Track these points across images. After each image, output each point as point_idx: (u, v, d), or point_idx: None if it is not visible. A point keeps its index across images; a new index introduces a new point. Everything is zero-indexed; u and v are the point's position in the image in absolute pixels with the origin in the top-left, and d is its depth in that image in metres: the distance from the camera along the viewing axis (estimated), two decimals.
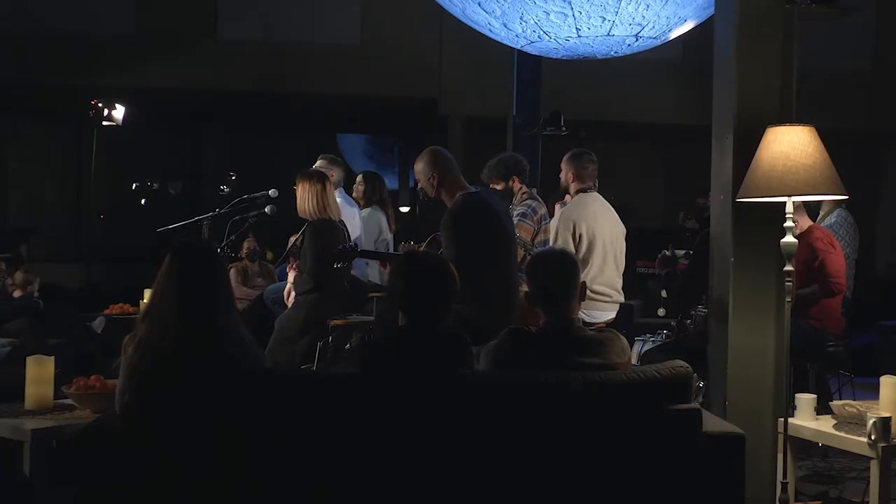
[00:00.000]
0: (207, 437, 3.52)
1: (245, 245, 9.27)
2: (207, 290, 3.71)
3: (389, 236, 8.03)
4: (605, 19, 6.69)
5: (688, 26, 7.01)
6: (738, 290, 4.58)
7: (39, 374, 4.53)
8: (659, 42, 7.18)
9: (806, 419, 4.37)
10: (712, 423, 3.77)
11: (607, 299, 5.81)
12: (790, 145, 4.01)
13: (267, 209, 6.34)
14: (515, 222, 5.89)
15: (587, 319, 5.73)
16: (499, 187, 6.35)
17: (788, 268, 4.16)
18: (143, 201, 13.67)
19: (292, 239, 9.54)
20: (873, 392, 4.56)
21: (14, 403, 4.60)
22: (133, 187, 13.35)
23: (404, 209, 16.98)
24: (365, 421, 3.53)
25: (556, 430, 3.55)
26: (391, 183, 18.42)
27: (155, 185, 14.34)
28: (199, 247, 3.93)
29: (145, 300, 8.42)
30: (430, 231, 7.85)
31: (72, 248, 14.39)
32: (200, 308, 3.68)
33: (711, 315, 4.81)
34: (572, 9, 6.63)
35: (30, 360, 4.53)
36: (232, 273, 9.33)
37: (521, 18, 6.80)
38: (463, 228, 4.86)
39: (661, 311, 6.76)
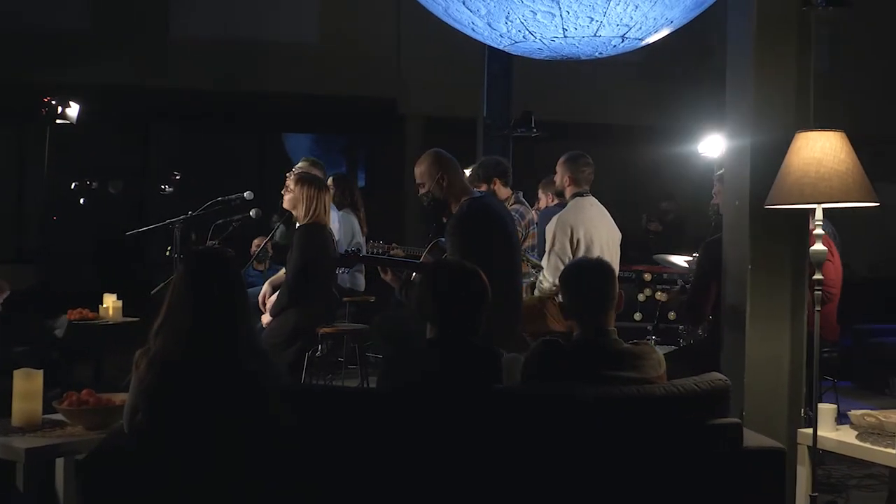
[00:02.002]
0: (230, 457, 3.33)
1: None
2: (224, 300, 3.50)
3: (362, 239, 7.86)
4: (592, 19, 6.56)
5: (665, 31, 6.91)
6: (755, 298, 4.48)
7: (27, 388, 4.27)
8: (642, 44, 7.08)
9: (827, 430, 4.27)
10: (750, 437, 3.66)
11: None
12: (822, 151, 3.90)
13: (252, 213, 6.13)
14: None
15: None
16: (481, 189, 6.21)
17: (818, 276, 4.06)
18: (81, 201, 13.34)
19: (256, 242, 9.36)
20: (854, 397, 4.57)
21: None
22: (72, 186, 13.01)
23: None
24: (396, 439, 3.37)
25: (594, 446, 3.42)
26: None
27: (94, 184, 14.00)
28: (213, 254, 3.69)
29: (104, 304, 8.24)
30: (378, 233, 7.67)
31: (11, 250, 13.95)
32: (217, 320, 3.46)
33: (726, 323, 4.70)
34: (560, 8, 6.49)
35: (17, 374, 4.27)
36: None
37: (506, 18, 6.65)
38: (469, 234, 4.71)
39: (637, 316, 6.65)
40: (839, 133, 3.98)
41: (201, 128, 14.51)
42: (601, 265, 3.65)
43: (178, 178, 16.16)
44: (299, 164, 7.21)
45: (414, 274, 4.97)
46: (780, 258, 4.49)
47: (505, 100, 9.21)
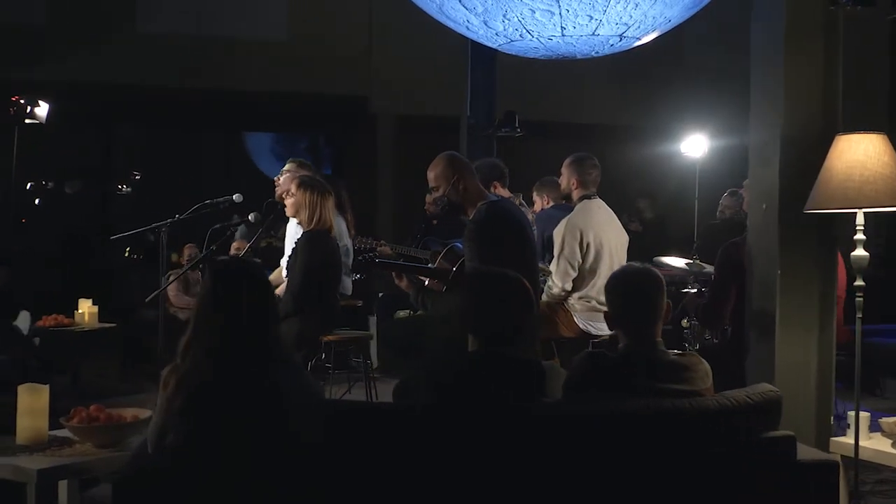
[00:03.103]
0: (266, 479, 3.16)
1: (186, 251, 8.77)
2: (256, 314, 3.32)
3: (349, 242, 7.67)
4: (592, 18, 6.46)
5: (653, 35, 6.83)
6: (785, 303, 4.38)
7: (33, 404, 4.08)
8: (637, 43, 6.99)
9: (862, 439, 4.19)
10: (803, 450, 3.55)
11: None
12: (866, 154, 3.80)
13: (251, 216, 5.93)
14: None
15: (593, 332, 5.48)
16: (504, 194, 6.07)
17: (860, 282, 3.97)
18: (36, 201, 13.04)
19: (235, 247, 9.13)
20: (846, 399, 4.52)
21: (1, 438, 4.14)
22: (28, 187, 12.72)
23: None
24: (440, 457, 3.21)
25: (645, 461, 3.28)
26: None
27: (50, 184, 13.71)
28: (241, 266, 3.51)
29: (80, 310, 7.99)
30: None
31: None
32: (250, 336, 3.28)
33: (753, 329, 4.60)
34: (559, 6, 6.38)
35: (22, 389, 4.07)
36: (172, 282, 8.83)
37: (504, 16, 6.52)
38: (487, 239, 4.56)
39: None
40: (881, 135, 3.89)
41: (167, 126, 14.24)
42: (650, 274, 3.51)
43: (137, 177, 15.85)
44: (286, 167, 6.98)
45: (427, 280, 4.82)
46: (809, 263, 4.39)
47: (487, 99, 9.08)
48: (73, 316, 7.90)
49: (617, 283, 3.52)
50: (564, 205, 7.10)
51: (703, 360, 3.54)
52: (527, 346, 4.27)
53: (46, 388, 4.10)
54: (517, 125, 8.72)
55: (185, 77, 11.89)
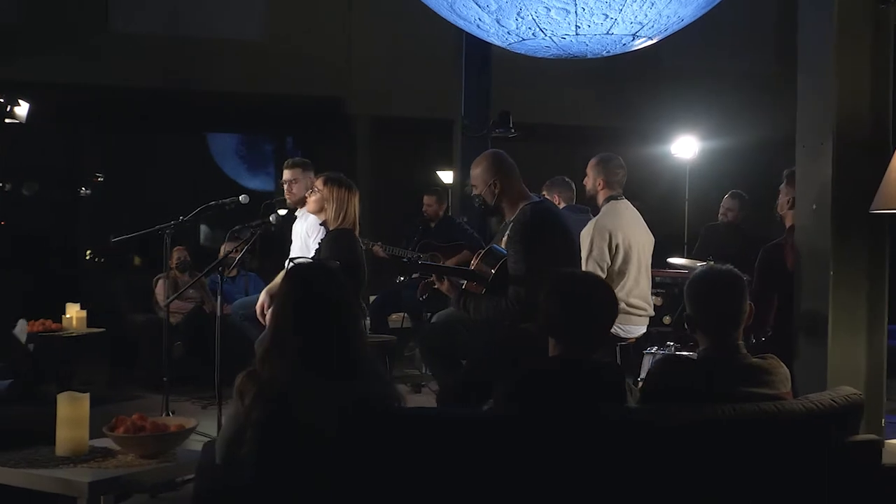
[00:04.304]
0: (352, 491, 3.03)
1: (175, 255, 8.55)
2: (339, 321, 3.19)
3: None
4: (607, 16, 6.40)
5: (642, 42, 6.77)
6: (837, 305, 4.32)
7: (73, 413, 3.91)
8: (649, 43, 6.94)
9: None
10: (888, 454, 3.50)
11: (642, 313, 5.47)
12: None
13: (272, 218, 5.76)
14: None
15: (622, 335, 5.39)
16: None
17: None
18: None
19: (224, 248, 8.93)
20: None
21: (36, 448, 3.95)
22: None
23: (283, 212, 16.40)
24: (524, 467, 3.11)
25: (733, 467, 3.21)
26: (266, 184, 17.75)
27: (7, 186, 13.43)
28: (318, 269, 3.37)
29: (67, 314, 7.76)
30: None
31: None
32: (333, 344, 3.15)
33: (801, 331, 4.53)
34: (576, 5, 6.31)
35: (62, 398, 3.89)
36: (161, 285, 8.63)
37: (518, 14, 6.43)
38: (535, 240, 4.46)
39: (666, 319, 6.46)
40: None
41: (135, 127, 13.95)
42: (733, 276, 3.43)
43: (100, 179, 15.54)
44: (290, 174, 6.65)
45: (465, 283, 4.71)
46: (862, 263, 4.34)
47: (481, 100, 8.98)
48: (60, 321, 7.67)
49: (699, 286, 3.43)
50: (576, 206, 7.03)
51: (782, 363, 3.47)
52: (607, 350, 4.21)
53: (87, 396, 3.93)
54: (511, 126, 8.63)
55: (156, 78, 11.66)
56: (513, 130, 8.68)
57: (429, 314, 8.75)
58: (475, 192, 4.77)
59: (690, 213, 9.51)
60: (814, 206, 4.45)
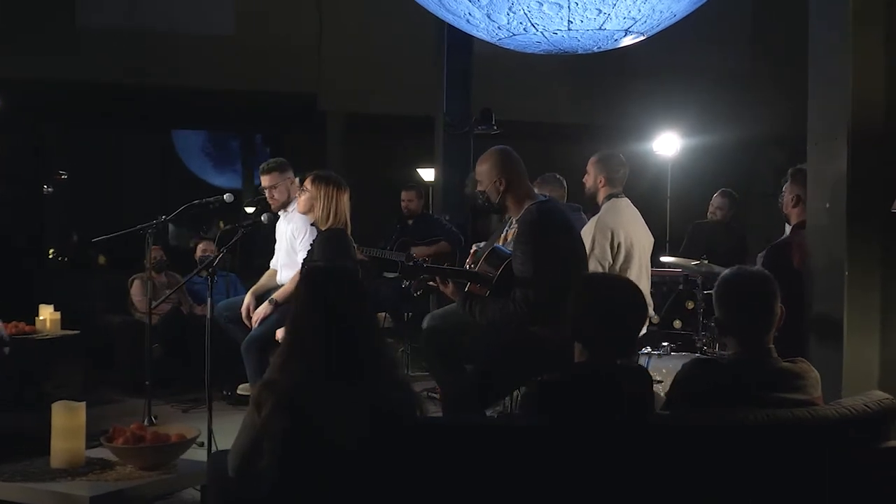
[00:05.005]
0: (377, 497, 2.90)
1: (152, 253, 8.32)
2: (361, 325, 3.04)
3: None
4: (601, 11, 6.30)
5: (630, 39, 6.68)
6: (852, 306, 4.23)
7: (69, 423, 3.75)
8: (640, 39, 6.84)
9: None
10: None
11: None
12: None
13: (263, 218, 5.59)
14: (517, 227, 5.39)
15: None
16: None
17: None
18: None
19: (202, 248, 8.74)
20: None
21: (31, 460, 3.78)
22: None
23: (250, 209, 16.27)
24: (556, 477, 2.99)
25: (766, 473, 3.11)
26: (233, 182, 17.53)
27: None
28: (336, 272, 3.21)
29: (41, 316, 7.53)
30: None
31: None
32: (352, 348, 3.01)
33: (814, 333, 4.45)
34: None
35: (57, 407, 3.72)
36: (137, 285, 8.42)
37: (509, 9, 6.31)
38: (542, 241, 4.32)
39: (677, 323, 6.33)
40: None
41: (105, 123, 13.71)
42: (765, 278, 3.32)
43: (64, 177, 15.28)
44: (269, 179, 6.39)
45: (468, 285, 4.57)
46: (876, 263, 4.25)
47: (463, 97, 8.85)
48: (33, 322, 7.44)
49: (730, 289, 3.32)
50: (568, 203, 6.90)
51: (812, 367, 3.37)
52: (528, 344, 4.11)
53: (83, 405, 3.77)
54: (494, 123, 8.50)
55: (123, 74, 11.41)
56: (495, 127, 8.55)
57: (408, 314, 8.64)
58: (479, 188, 4.64)
59: (673, 211, 9.43)
60: (827, 205, 4.37)
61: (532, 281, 4.27)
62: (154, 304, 6.02)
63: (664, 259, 6.97)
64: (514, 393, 4.81)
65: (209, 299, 5.27)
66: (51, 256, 15.30)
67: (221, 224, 14.37)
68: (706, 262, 6.34)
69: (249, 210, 11.09)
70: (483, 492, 2.97)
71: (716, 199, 7.96)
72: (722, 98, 10.78)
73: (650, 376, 3.30)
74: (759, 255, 6.54)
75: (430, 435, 3.06)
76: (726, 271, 3.39)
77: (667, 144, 9.18)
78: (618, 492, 3.01)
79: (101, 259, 15.18)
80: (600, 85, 11.59)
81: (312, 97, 11.94)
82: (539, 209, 4.44)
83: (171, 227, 15.08)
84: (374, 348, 3.06)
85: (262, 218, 5.59)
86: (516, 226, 4.56)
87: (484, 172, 4.61)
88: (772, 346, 3.31)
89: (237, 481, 3.07)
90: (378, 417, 2.95)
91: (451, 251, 8.18)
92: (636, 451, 3.04)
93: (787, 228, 7.08)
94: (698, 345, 6.18)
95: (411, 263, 4.40)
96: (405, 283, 6.22)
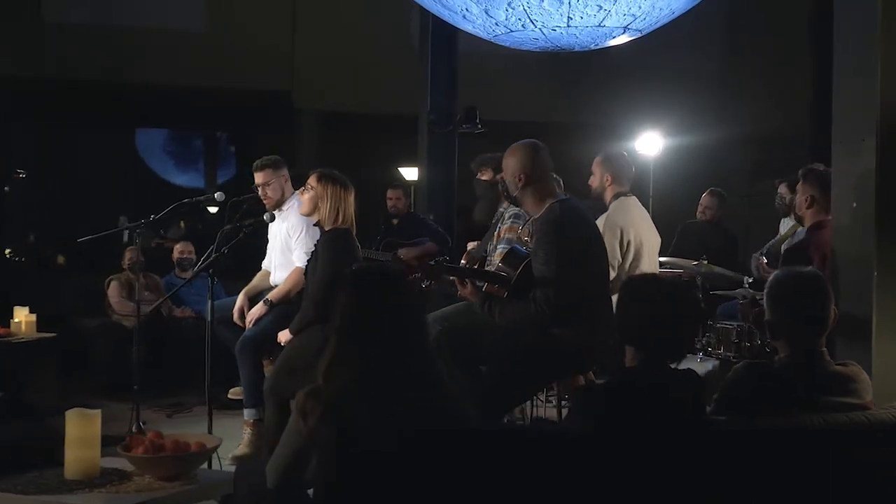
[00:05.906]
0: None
1: (127, 255, 8.12)
2: (407, 329, 2.91)
3: None
4: (601, 8, 6.21)
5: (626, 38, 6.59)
6: (881, 310, 4.15)
7: (84, 432, 3.56)
8: (640, 35, 6.76)
9: None
10: None
11: None
12: None
13: (266, 217, 5.41)
14: (508, 224, 5.27)
15: None
16: (486, 177, 5.66)
17: None
18: None
19: (179, 248, 8.54)
20: None
21: (41, 471, 3.60)
22: None
23: (213, 209, 15.98)
24: (606, 485, 2.88)
25: (823, 478, 3.02)
26: (195, 181, 17.25)
27: None
28: (383, 273, 3.06)
29: (15, 318, 7.29)
30: None
31: None
32: (402, 353, 2.87)
33: (840, 337, 4.35)
34: None
35: (71, 415, 3.54)
36: (114, 286, 8.18)
37: (508, 4, 6.20)
38: (565, 240, 4.21)
39: None
40: None
41: (68, 121, 13.39)
42: (818, 280, 3.23)
43: (22, 176, 14.92)
44: (262, 176, 6.18)
45: (486, 285, 4.44)
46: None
47: (448, 95, 8.73)
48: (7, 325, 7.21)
49: (781, 290, 3.23)
50: None
51: (863, 370, 3.29)
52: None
53: (98, 413, 3.59)
54: (478, 122, 8.39)
55: (90, 70, 11.17)
56: (479, 126, 8.44)
57: None
58: (500, 176, 4.52)
59: (655, 211, 9.35)
60: (854, 205, 4.29)
61: (554, 281, 4.16)
62: (149, 307, 5.79)
63: (662, 259, 6.89)
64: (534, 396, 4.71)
65: (209, 302, 5.09)
66: (7, 256, 14.94)
67: (182, 224, 14.13)
68: (706, 262, 6.27)
69: (212, 210, 10.84)
70: (540, 501, 2.86)
71: (705, 198, 7.91)
72: (703, 98, 10.76)
73: (703, 381, 3.19)
74: (755, 255, 6.50)
75: (483, 443, 2.93)
76: (778, 272, 3.30)
77: (649, 144, 9.12)
78: (676, 497, 2.91)
79: (60, 259, 14.85)
80: (583, 84, 11.53)
81: (287, 95, 11.76)
82: (562, 207, 4.32)
83: (175, 227, 14.81)
84: (426, 351, 2.93)
85: (265, 217, 5.40)
86: (530, 225, 4.46)
87: (508, 164, 4.49)
88: (824, 349, 3.23)
89: (278, 494, 2.93)
90: (429, 424, 2.82)
91: (437, 252, 8.05)
92: (693, 457, 2.94)
93: (782, 228, 7.06)
94: (698, 346, 6.11)
95: (432, 263, 4.27)
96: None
